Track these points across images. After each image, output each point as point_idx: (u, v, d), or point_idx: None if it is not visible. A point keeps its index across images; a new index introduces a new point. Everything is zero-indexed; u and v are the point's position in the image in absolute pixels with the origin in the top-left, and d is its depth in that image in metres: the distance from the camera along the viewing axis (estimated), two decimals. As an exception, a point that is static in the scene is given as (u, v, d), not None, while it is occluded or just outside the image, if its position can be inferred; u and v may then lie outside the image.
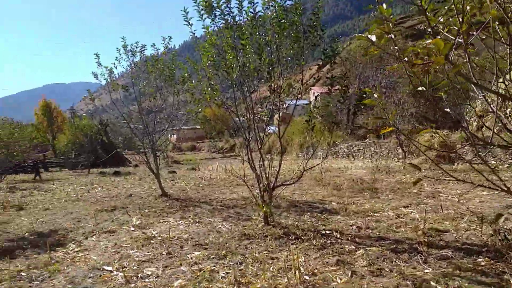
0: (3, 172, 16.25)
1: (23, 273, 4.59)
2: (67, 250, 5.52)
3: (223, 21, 5.34)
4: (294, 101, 6.32)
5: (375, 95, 2.34)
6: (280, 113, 6.40)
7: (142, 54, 10.06)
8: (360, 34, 2.12)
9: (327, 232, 5.72)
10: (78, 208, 9.16)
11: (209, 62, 5.86)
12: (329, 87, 5.46)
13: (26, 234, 6.79)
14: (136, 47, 9.93)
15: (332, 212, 7.27)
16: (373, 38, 2.03)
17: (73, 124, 22.81)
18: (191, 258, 4.77)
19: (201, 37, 6.47)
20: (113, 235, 6.30)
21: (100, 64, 9.74)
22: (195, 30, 5.65)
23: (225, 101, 6.39)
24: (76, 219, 7.83)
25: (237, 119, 6.46)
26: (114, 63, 9.98)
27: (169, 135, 11.05)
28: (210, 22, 5.44)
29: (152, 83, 10.36)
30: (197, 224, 6.83)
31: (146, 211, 8.33)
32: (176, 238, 5.86)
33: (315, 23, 5.23)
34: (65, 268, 4.70)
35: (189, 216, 7.50)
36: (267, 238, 5.51)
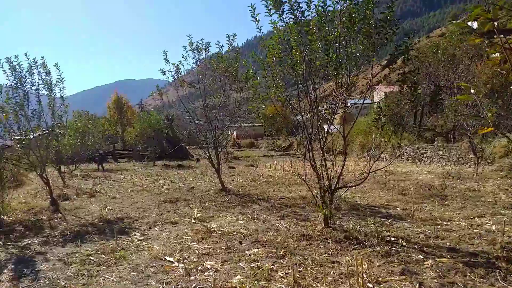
0: (77, 161, 17.58)
1: (91, 257, 4.87)
2: (131, 238, 5.78)
3: (292, 16, 5.22)
4: (357, 100, 6.03)
5: (472, 90, 2.07)
6: (343, 112, 6.15)
7: (207, 52, 10.27)
8: (458, 21, 1.88)
9: (392, 239, 5.40)
10: (143, 198, 9.59)
11: (274, 58, 5.78)
12: (401, 84, 5.10)
13: (96, 220, 7.24)
14: (201, 45, 10.16)
15: (397, 218, 6.86)
16: (474, 25, 1.79)
17: (142, 118, 24.06)
18: (250, 255, 4.74)
19: (266, 34, 6.40)
20: (175, 226, 6.49)
21: (168, 61, 10.10)
22: (261, 26, 5.59)
23: (288, 98, 6.27)
24: (141, 209, 8.20)
25: (299, 116, 6.32)
26: (181, 60, 10.30)
27: (229, 132, 11.20)
28: (278, 18, 5.34)
29: (216, 80, 10.55)
30: (255, 220, 6.81)
31: (207, 204, 8.49)
32: (235, 233, 5.89)
33: (388, 17, 4.91)
34: (130, 255, 4.90)
35: (248, 212, 7.51)
36: (327, 240, 5.32)
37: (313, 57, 5.51)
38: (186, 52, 10.12)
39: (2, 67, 7.81)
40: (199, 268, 4.29)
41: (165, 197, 9.56)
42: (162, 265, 4.46)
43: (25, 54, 7.88)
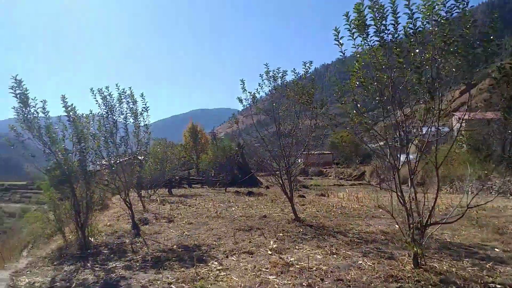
0: (156, 186, 18.45)
1: (172, 286, 4.84)
2: (210, 267, 5.70)
3: (378, 39, 4.96)
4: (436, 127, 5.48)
5: None
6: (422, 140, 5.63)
7: (283, 79, 10.29)
8: None
9: (498, 286, 4.66)
10: (218, 225, 9.61)
11: (357, 83, 5.50)
12: (507, 109, 4.51)
13: (174, 246, 7.33)
14: (278, 73, 10.21)
15: (498, 260, 5.99)
16: None
17: (215, 145, 24.82)
18: (334, 295, 4.37)
19: (348, 57, 6.19)
20: (251, 257, 6.31)
21: (245, 89, 10.28)
22: (345, 50, 5.39)
23: (372, 124, 5.90)
24: (217, 236, 8.18)
25: (371, 144, 5.91)
26: (257, 88, 10.43)
27: (298, 160, 10.98)
28: (362, 41, 5.12)
29: (290, 107, 10.48)
30: (334, 256, 6.38)
31: (281, 235, 8.23)
32: (314, 268, 5.54)
33: (491, 37, 4.42)
34: (209, 286, 4.80)
35: (325, 246, 7.09)
36: (420, 284, 4.75)
37: (403, 81, 5.15)
38: (262, 80, 10.25)
39: (95, 98, 8.51)
40: (278, 306, 4.03)
41: (239, 225, 9.48)
42: (243, 299, 4.28)
43: (116, 84, 8.56)
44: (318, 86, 10.39)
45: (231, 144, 25.25)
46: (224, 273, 5.38)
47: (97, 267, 6.16)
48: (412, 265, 5.49)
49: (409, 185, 5.64)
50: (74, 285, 5.23)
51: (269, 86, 10.27)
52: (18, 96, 7.06)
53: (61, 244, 7.94)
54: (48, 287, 5.29)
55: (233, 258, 6.27)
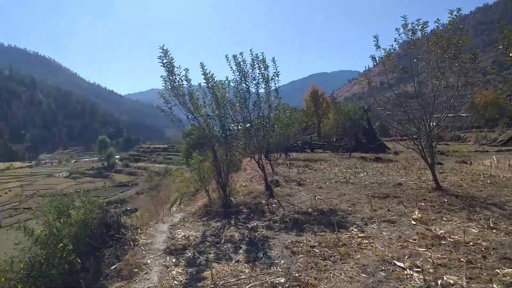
0: (281, 150, 18.89)
1: (315, 250, 4.81)
2: (350, 234, 5.51)
3: None
4: None
5: None
6: None
7: (423, 32, 9.09)
8: None
9: None
10: (349, 191, 9.32)
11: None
12: None
13: (309, 209, 7.33)
14: (417, 25, 9.04)
15: None
16: None
17: (338, 109, 24.05)
18: (504, 276, 3.77)
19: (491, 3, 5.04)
20: (393, 226, 5.92)
21: (379, 46, 9.42)
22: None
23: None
24: (350, 202, 7.93)
25: None
26: (392, 44, 9.47)
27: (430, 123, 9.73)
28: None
29: (431, 63, 9.27)
30: (494, 230, 5.56)
31: (423, 204, 7.55)
32: (471, 244, 4.89)
33: None
34: (353, 253, 4.63)
35: (479, 219, 6.24)
36: None
37: None
38: (399, 34, 9.22)
39: (230, 64, 8.79)
40: (439, 282, 3.64)
41: (373, 192, 9.02)
42: (393, 270, 4.00)
43: (250, 50, 8.66)
44: (467, 37, 8.94)
45: (355, 107, 24.13)
46: (367, 241, 5.13)
47: (240, 225, 6.54)
48: None
49: None
50: (223, 241, 5.63)
51: (407, 39, 9.18)
52: (165, 65, 7.65)
53: (206, 202, 8.68)
54: (201, 240, 5.81)
55: (373, 226, 5.96)
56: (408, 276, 3.83)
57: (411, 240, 5.08)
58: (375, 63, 9.77)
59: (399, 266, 4.10)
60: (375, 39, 9.42)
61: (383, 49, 9.40)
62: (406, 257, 4.39)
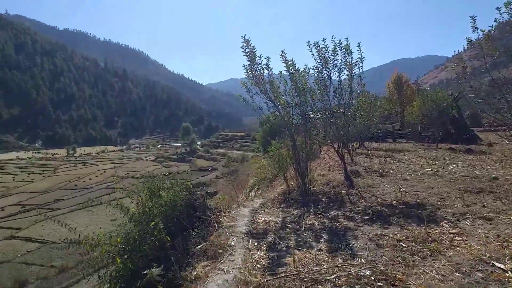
0: (361, 139, 18.20)
1: (402, 244, 4.59)
2: (441, 230, 5.15)
3: None
4: None
5: None
6: None
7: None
8: None
9: None
10: (437, 184, 8.69)
11: None
12: None
13: (394, 202, 6.98)
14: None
15: None
16: None
17: (425, 97, 22.44)
18: None
19: None
20: (490, 224, 5.39)
21: (476, 27, 8.50)
22: None
23: None
24: (439, 196, 7.40)
25: None
26: (492, 25, 8.48)
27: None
28: None
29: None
30: None
31: (526, 201, 6.77)
32: None
33: None
34: (445, 250, 4.32)
35: None
36: None
37: None
38: (501, 14, 8.21)
39: (311, 51, 8.63)
40: (549, 290, 3.25)
41: (464, 186, 8.29)
42: (492, 272, 3.66)
43: (332, 36, 8.41)
44: None
45: (445, 95, 22.28)
46: (460, 238, 4.75)
47: (320, 214, 6.48)
48: None
49: None
50: (303, 228, 5.64)
51: (509, 18, 8.14)
52: (247, 54, 7.80)
53: (284, 189, 8.75)
54: (281, 226, 5.89)
55: (466, 222, 5.49)
56: (510, 279, 3.48)
57: (511, 240, 4.59)
58: (468, 46, 8.83)
59: (499, 268, 3.74)
60: (472, 20, 8.52)
61: (481, 30, 8.46)
62: (507, 258, 3.98)
